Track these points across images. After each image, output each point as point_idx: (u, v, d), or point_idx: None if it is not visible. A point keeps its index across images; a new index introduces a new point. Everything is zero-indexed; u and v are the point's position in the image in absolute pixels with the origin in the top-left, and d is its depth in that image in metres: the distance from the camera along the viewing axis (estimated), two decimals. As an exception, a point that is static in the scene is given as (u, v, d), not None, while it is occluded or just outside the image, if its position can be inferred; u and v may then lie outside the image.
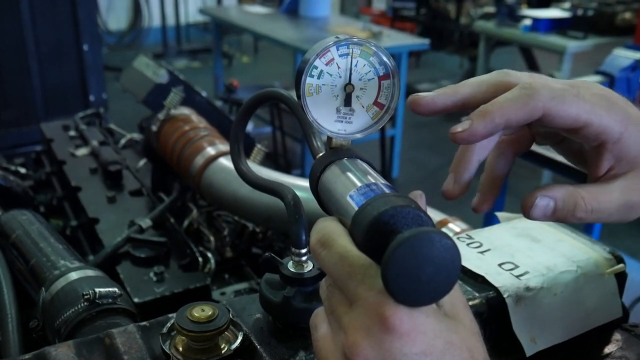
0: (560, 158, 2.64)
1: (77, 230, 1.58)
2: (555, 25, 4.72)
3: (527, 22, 4.79)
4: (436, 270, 0.45)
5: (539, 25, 4.72)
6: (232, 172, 1.37)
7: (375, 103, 0.61)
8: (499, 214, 1.00)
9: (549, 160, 2.66)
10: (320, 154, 0.64)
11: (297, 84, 0.59)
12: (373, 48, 0.59)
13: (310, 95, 0.59)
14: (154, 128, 1.53)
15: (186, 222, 1.50)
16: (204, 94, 2.06)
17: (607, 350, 0.81)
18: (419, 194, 0.53)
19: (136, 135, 2.07)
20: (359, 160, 0.60)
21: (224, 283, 1.46)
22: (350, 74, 0.60)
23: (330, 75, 0.59)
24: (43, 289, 0.84)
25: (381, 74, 0.61)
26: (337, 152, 0.62)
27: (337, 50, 0.59)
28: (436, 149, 5.56)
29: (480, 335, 0.50)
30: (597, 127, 0.59)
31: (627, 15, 4.61)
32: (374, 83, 0.61)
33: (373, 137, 4.31)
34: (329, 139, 0.62)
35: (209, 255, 1.37)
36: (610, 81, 3.01)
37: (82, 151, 1.80)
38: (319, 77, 0.59)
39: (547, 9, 5.13)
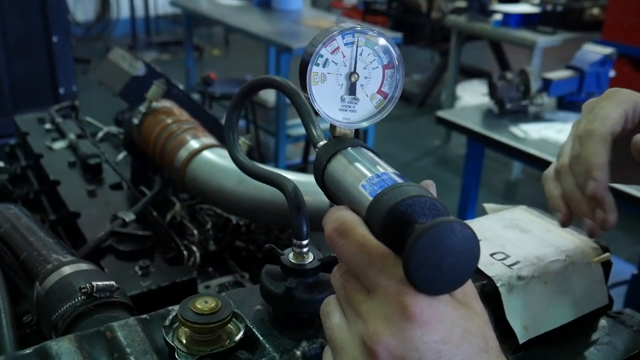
0: (533, 150, 2.66)
1: (57, 224, 1.55)
2: (525, 21, 4.78)
3: (498, 17, 4.84)
4: (457, 259, 0.45)
5: (509, 20, 4.78)
6: (216, 165, 1.37)
7: (379, 92, 0.62)
8: (487, 206, 1.02)
9: (519, 152, 2.70)
10: (322, 143, 0.65)
11: (303, 73, 0.59)
12: (378, 37, 0.60)
13: (316, 84, 0.60)
14: (136, 121, 1.51)
15: (169, 216, 1.49)
16: (181, 87, 2.04)
17: (594, 336, 0.83)
18: (430, 183, 0.54)
19: (113, 129, 2.04)
20: (363, 149, 0.61)
21: (208, 276, 1.45)
22: (355, 62, 0.60)
23: (336, 63, 0.60)
24: (37, 283, 0.83)
25: (385, 62, 0.61)
26: (341, 141, 0.62)
27: (343, 38, 0.59)
28: (408, 142, 5.60)
29: (490, 324, 0.51)
30: None
31: (595, 11, 4.70)
32: (378, 72, 0.61)
33: (347, 131, 4.32)
34: (333, 127, 0.62)
35: (194, 248, 1.37)
36: (581, 76, 3.06)
37: (60, 144, 1.77)
38: (324, 66, 0.59)
39: (517, 4, 5.19)
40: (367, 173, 0.56)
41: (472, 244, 0.46)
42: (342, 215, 0.53)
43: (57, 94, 3.88)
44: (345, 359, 0.49)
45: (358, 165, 0.58)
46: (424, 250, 0.45)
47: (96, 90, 3.77)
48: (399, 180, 0.53)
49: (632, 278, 2.80)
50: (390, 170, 0.56)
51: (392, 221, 0.49)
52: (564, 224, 0.80)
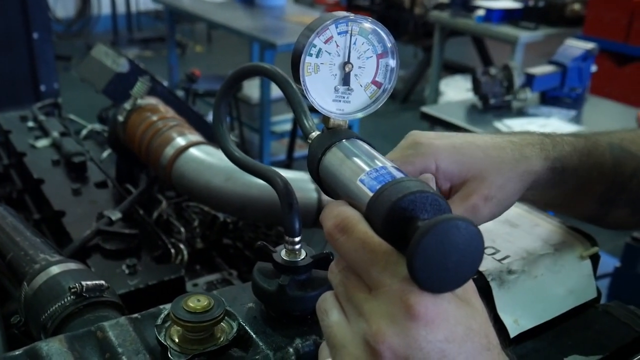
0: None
1: (41, 223, 1.54)
2: (508, 16, 4.81)
3: (481, 12, 4.86)
4: (461, 256, 0.45)
5: (491, 15, 4.80)
6: (204, 162, 1.36)
7: (373, 82, 0.61)
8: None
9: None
10: (315, 134, 0.63)
11: (295, 63, 0.58)
12: (372, 25, 0.59)
13: (309, 74, 0.58)
14: (121, 118, 1.50)
15: (155, 214, 1.48)
16: (165, 83, 2.03)
17: (583, 329, 0.84)
18: (430, 177, 0.53)
19: (97, 126, 2.02)
20: (359, 141, 0.60)
21: (196, 274, 1.44)
22: (349, 52, 0.59)
23: (329, 53, 0.58)
24: (25, 283, 0.81)
25: (379, 52, 0.60)
26: (336, 133, 0.61)
27: (336, 28, 0.58)
28: (392, 138, 5.60)
29: (490, 321, 0.51)
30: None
31: (576, 6, 4.74)
32: (372, 61, 0.60)
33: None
34: (326, 119, 0.61)
35: (182, 246, 1.36)
36: (563, 71, 3.08)
37: (43, 142, 1.75)
38: (317, 56, 0.58)
39: (499, 0, 5.22)
40: (365, 167, 0.55)
41: (477, 241, 0.45)
42: (343, 211, 0.52)
43: (38, 92, 3.82)
44: (346, 357, 0.48)
45: (355, 158, 0.57)
46: (429, 248, 0.44)
47: (78, 87, 3.72)
48: (399, 174, 0.52)
49: (615, 271, 2.84)
50: (388, 163, 0.55)
51: (393, 218, 0.48)
52: None
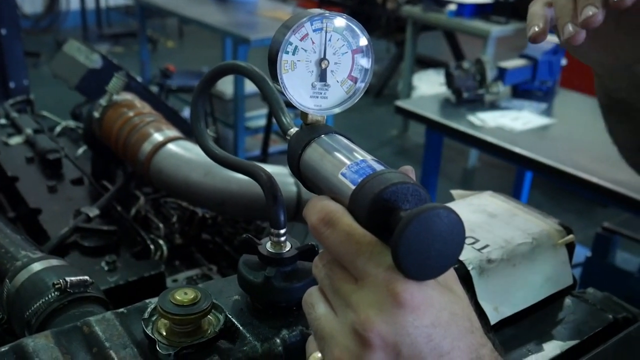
0: (490, 138, 2.71)
1: (16, 222, 1.52)
2: (479, 11, 4.86)
3: (452, 7, 4.90)
4: (444, 244, 0.46)
5: (463, 10, 4.85)
6: (182, 157, 1.36)
7: (350, 77, 0.62)
8: (454, 192, 1.04)
9: (476, 140, 2.76)
10: (293, 130, 0.64)
11: (272, 61, 0.58)
12: (346, 21, 0.59)
13: (286, 72, 0.59)
14: (96, 114, 1.48)
15: (133, 210, 1.47)
16: (139, 79, 2.01)
17: (560, 315, 0.86)
18: (410, 168, 0.54)
19: (71, 123, 2.00)
20: (337, 136, 0.61)
21: (175, 270, 1.44)
22: (325, 48, 0.60)
23: (305, 50, 0.59)
24: (7, 280, 0.81)
25: (354, 47, 0.61)
26: (314, 128, 0.61)
27: (312, 25, 0.58)
28: (366, 132, 5.63)
29: (471, 306, 0.52)
30: None
31: (546, 1, 4.81)
32: (348, 57, 0.61)
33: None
34: (305, 115, 0.62)
35: (161, 242, 1.36)
36: (534, 64, 3.13)
37: (16, 140, 1.73)
38: (294, 53, 0.59)
39: (470, -5, 5.27)
40: (345, 161, 0.55)
41: (458, 229, 0.47)
42: (327, 205, 0.53)
43: (7, 89, 3.75)
44: (336, 348, 0.49)
45: (335, 153, 0.58)
46: (412, 237, 0.45)
47: (47, 84, 3.67)
48: (379, 167, 0.53)
49: (586, 260, 2.90)
50: (368, 157, 0.56)
51: (376, 209, 0.49)
52: (535, 40, 0.77)
